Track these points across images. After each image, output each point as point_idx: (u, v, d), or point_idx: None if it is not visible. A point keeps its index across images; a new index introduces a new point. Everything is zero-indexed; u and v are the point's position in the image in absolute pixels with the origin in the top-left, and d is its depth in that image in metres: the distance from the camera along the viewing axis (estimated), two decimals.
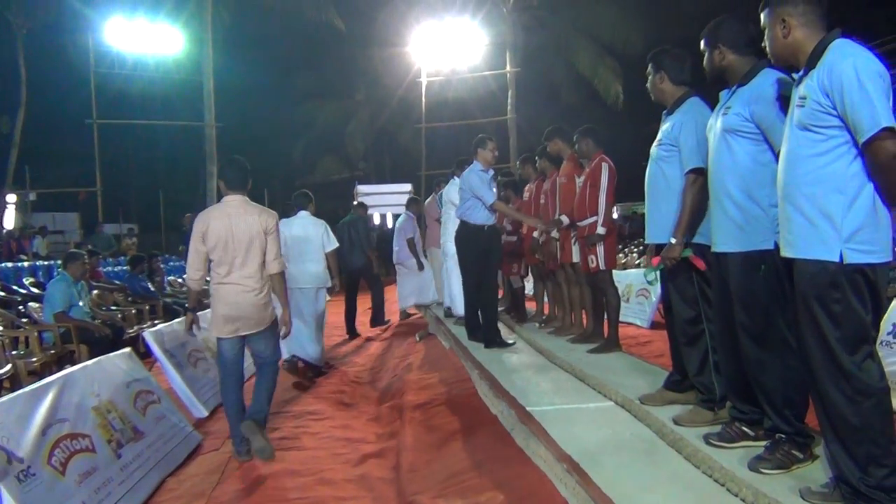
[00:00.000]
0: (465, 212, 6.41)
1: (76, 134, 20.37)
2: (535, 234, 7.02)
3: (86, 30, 17.83)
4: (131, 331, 8.34)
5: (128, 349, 5.02)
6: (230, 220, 4.50)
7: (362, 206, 11.02)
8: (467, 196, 6.38)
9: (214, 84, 19.49)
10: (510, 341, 6.51)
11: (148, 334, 5.75)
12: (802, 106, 2.54)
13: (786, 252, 2.69)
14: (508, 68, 21.81)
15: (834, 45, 2.50)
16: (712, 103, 3.49)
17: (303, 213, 7.41)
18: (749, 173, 3.07)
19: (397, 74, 24.02)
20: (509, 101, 21.94)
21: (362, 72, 26.89)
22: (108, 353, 4.81)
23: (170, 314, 9.44)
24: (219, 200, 4.74)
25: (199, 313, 5.04)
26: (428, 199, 10.36)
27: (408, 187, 22.26)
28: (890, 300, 5.59)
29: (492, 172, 6.51)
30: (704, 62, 3.33)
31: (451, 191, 7.71)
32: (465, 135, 26.02)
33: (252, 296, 4.54)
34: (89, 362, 4.40)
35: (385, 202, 23.29)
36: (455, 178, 7.73)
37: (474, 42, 21.31)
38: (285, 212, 7.41)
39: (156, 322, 9.02)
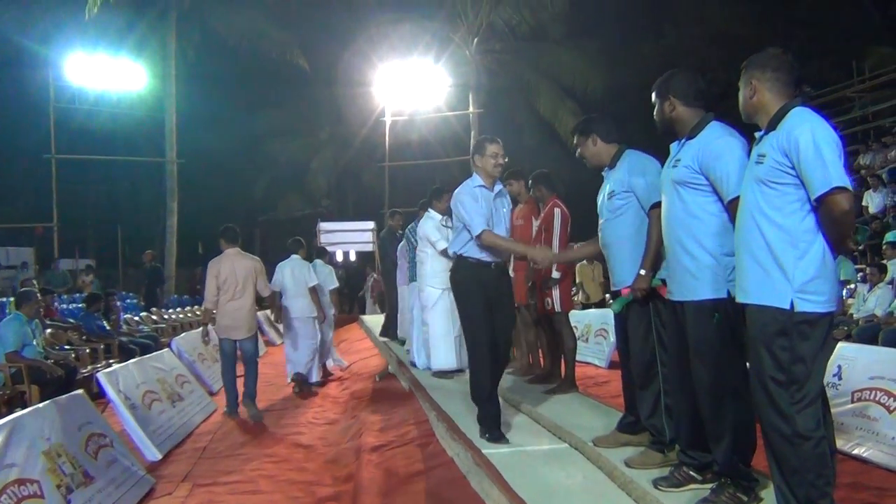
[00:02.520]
0: (464, 245, 4.79)
1: (34, 169, 20.10)
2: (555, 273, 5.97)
3: (45, 65, 17.70)
4: (85, 371, 8.22)
5: (80, 391, 4.95)
6: (232, 264, 7.06)
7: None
8: (460, 225, 4.83)
9: (177, 120, 19.46)
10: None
11: (102, 375, 5.67)
12: (761, 163, 2.70)
13: (740, 298, 2.83)
14: (471, 109, 22.11)
15: (794, 112, 2.69)
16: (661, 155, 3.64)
17: (294, 257, 8.92)
18: (700, 223, 3.19)
19: (361, 113, 24.21)
20: (472, 141, 22.12)
21: (327, 110, 27.02)
22: (61, 393, 4.75)
23: (125, 353, 9.29)
24: (220, 253, 7.17)
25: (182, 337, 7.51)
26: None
27: (370, 225, 22.31)
28: (834, 343, 5.79)
29: (499, 187, 4.94)
30: (655, 113, 3.45)
31: (427, 225, 6.92)
32: (429, 174, 26.29)
33: (244, 312, 7.09)
34: (41, 405, 4.32)
35: (348, 239, 23.30)
36: (431, 210, 7.00)
37: (438, 83, 21.60)
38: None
39: (111, 361, 8.89)
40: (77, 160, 20.42)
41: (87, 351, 8.85)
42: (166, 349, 8.12)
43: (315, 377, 8.97)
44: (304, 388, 8.57)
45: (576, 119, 20.54)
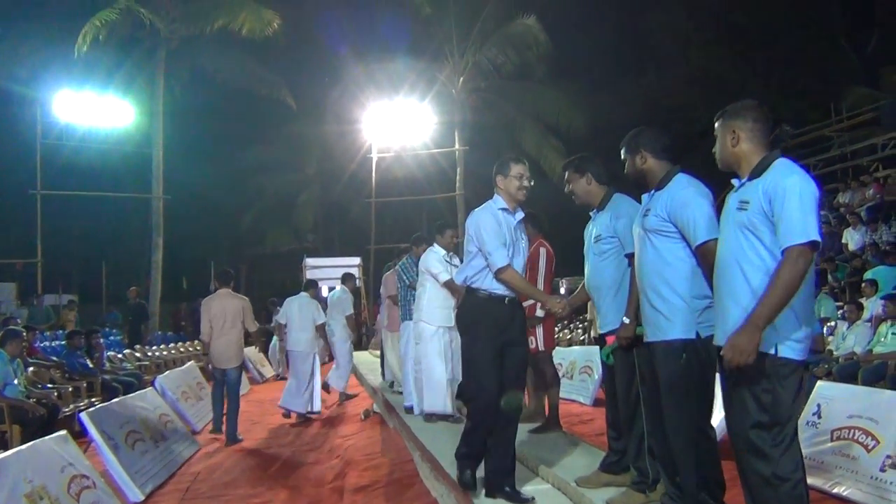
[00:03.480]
0: (476, 275, 4.21)
1: (19, 204, 20.04)
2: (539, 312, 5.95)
3: (33, 102, 17.76)
4: (67, 409, 8.13)
5: (63, 432, 4.92)
6: (222, 302, 8.04)
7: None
8: (474, 250, 4.22)
9: (164, 155, 19.52)
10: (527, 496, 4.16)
11: (85, 416, 5.63)
12: (745, 209, 2.79)
13: (719, 341, 2.87)
14: (457, 146, 22.38)
15: (778, 163, 2.81)
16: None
17: (304, 294, 9.53)
18: (671, 269, 3.31)
19: (349, 150, 24.41)
20: (458, 177, 22.44)
21: (314, 146, 27.20)
22: (43, 432, 4.74)
23: (108, 391, 9.22)
24: (213, 292, 8.40)
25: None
26: (386, 273, 9.23)
27: (356, 261, 22.32)
28: (814, 381, 5.87)
29: (521, 215, 4.32)
30: (626, 167, 3.60)
31: (430, 258, 6.58)
32: (415, 210, 26.47)
33: (232, 345, 7.99)
34: (24, 447, 4.31)
35: (333, 275, 23.21)
36: (436, 245, 6.66)
37: (424, 120, 21.85)
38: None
39: (93, 400, 8.82)
40: (63, 196, 20.36)
41: (70, 389, 8.78)
42: (150, 388, 8.07)
43: (314, 407, 9.43)
44: (300, 418, 9.17)
45: (560, 157, 21.09)
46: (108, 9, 16.75)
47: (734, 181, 2.98)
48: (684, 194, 3.30)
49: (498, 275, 4.09)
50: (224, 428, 8.06)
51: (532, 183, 4.26)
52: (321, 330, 9.45)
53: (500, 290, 4.17)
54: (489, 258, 4.09)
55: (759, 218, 2.75)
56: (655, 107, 24.79)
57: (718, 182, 3.43)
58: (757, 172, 2.84)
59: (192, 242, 25.65)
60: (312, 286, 10.05)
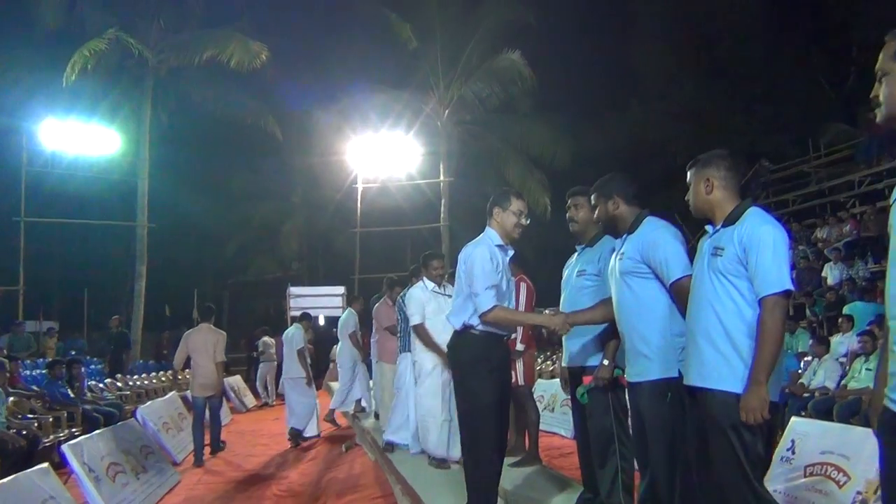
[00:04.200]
0: (472, 314, 4.01)
1: (2, 231, 19.92)
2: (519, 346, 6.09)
3: (19, 131, 17.77)
4: (47, 440, 8.10)
5: (45, 465, 4.94)
6: (203, 336, 8.72)
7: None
8: (467, 289, 4.01)
9: (149, 183, 19.53)
10: None
11: (67, 448, 5.64)
12: (720, 256, 2.92)
13: (695, 381, 2.98)
14: (442, 178, 22.56)
15: (751, 211, 2.96)
16: None
17: (297, 325, 10.40)
18: (648, 309, 3.44)
19: (334, 180, 24.51)
20: (443, 208, 22.58)
21: (300, 175, 27.33)
22: (23, 464, 4.75)
23: (88, 422, 9.17)
24: (196, 320, 9.06)
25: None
26: (377, 303, 9.06)
27: (341, 290, 22.33)
28: (789, 417, 5.99)
29: (511, 251, 4.19)
30: (597, 213, 3.75)
31: (411, 296, 6.59)
32: (400, 240, 26.54)
33: (210, 373, 8.61)
34: (4, 480, 4.33)
35: (317, 304, 23.23)
36: (424, 280, 6.55)
37: (410, 151, 22.01)
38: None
39: (74, 430, 8.79)
40: (47, 223, 20.29)
41: (50, 419, 8.73)
42: (131, 419, 8.07)
43: (313, 431, 10.08)
44: (298, 440, 9.69)
45: (543, 189, 21.34)
46: (97, 38, 16.84)
47: (708, 227, 3.12)
48: (655, 235, 3.46)
49: (484, 317, 3.92)
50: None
51: (528, 222, 4.14)
52: (300, 356, 9.97)
53: (498, 329, 4.04)
54: (475, 299, 3.91)
55: (733, 265, 2.88)
56: (639, 140, 25.15)
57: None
58: (731, 220, 2.98)
59: (175, 270, 25.55)
60: (306, 318, 10.89)
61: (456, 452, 5.79)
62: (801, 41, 23.76)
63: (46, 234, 21.53)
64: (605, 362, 3.87)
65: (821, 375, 8.57)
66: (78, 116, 18.10)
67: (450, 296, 5.68)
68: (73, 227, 22.51)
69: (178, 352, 8.82)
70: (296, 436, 9.76)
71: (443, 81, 22.16)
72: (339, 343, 10.81)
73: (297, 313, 22.62)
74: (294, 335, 10.15)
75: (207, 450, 8.91)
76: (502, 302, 3.97)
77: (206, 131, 23.47)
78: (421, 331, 6.20)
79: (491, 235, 4.08)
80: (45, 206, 19.66)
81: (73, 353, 14.93)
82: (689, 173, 3.20)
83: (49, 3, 17.70)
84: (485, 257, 3.95)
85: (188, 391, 9.35)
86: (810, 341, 9.90)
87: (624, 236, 3.64)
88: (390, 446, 7.01)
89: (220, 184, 26.81)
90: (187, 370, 9.63)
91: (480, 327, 3.97)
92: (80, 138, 18.22)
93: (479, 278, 3.90)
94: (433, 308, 6.26)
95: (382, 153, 21.54)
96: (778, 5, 23.65)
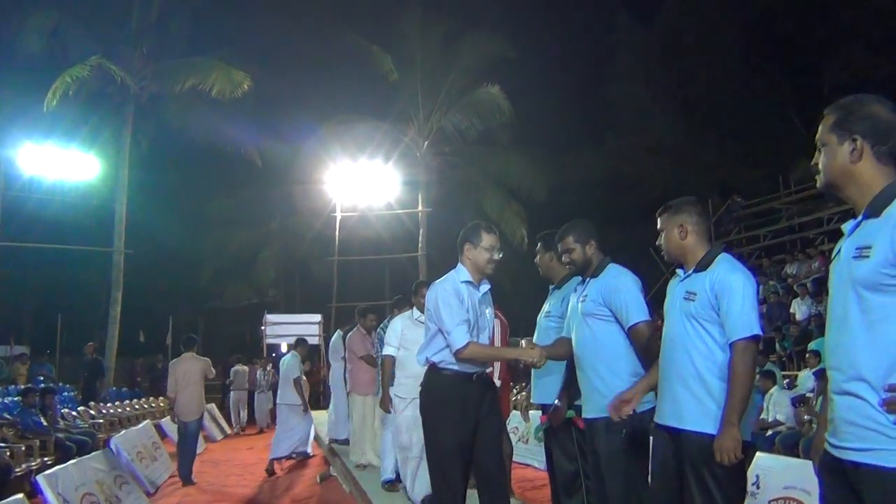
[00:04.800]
0: (438, 350, 3.95)
1: None
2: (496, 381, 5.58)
3: None
4: (19, 469, 8.05)
5: (20, 495, 4.96)
6: (187, 365, 9.34)
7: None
8: (433, 328, 3.96)
9: (128, 209, 19.49)
10: None
11: (41, 478, 5.64)
12: (692, 300, 3.07)
13: (670, 422, 3.11)
14: (421, 207, 22.74)
15: (722, 258, 3.12)
16: None
17: (293, 353, 10.58)
18: (608, 349, 3.63)
19: (313, 208, 24.57)
20: (421, 238, 22.74)
21: (278, 203, 27.35)
22: None
23: (61, 451, 9.12)
24: (169, 345, 11.01)
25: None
26: (350, 332, 8.73)
27: (317, 318, 22.32)
28: (754, 452, 6.16)
29: (487, 287, 4.10)
30: (574, 255, 3.89)
31: (392, 326, 6.43)
32: (378, 269, 26.63)
33: (195, 399, 9.28)
34: None
35: (294, 332, 23.12)
36: (414, 310, 6.23)
37: (389, 181, 22.16)
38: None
39: (46, 459, 8.74)
40: (24, 248, 20.17)
41: (23, 448, 8.67)
42: (105, 449, 8.04)
43: (305, 448, 10.66)
44: (273, 470, 9.89)
45: (521, 221, 21.58)
46: (80, 65, 16.90)
47: (679, 271, 3.27)
48: (617, 281, 3.67)
49: (458, 355, 3.79)
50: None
51: (501, 255, 4.01)
52: (296, 384, 10.18)
53: (467, 367, 3.87)
54: (448, 337, 3.81)
55: (705, 310, 3.03)
56: (615, 174, 25.61)
57: None
58: (703, 266, 3.13)
59: (151, 296, 25.41)
60: (302, 344, 10.96)
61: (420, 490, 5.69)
62: (773, 80, 24.38)
63: (22, 258, 21.41)
64: (558, 403, 4.02)
65: (772, 409, 8.77)
66: (57, 141, 18.06)
67: None
68: (48, 252, 22.37)
69: (169, 381, 9.39)
70: (272, 466, 9.88)
71: (422, 113, 22.46)
72: (280, 389, 10.44)
73: (274, 341, 22.80)
74: (290, 363, 10.28)
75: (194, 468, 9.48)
76: (478, 338, 3.88)
77: (186, 157, 23.51)
78: (386, 363, 6.18)
79: (459, 271, 4.00)
80: (21, 231, 19.57)
81: (41, 378, 14.77)
82: (660, 219, 3.33)
83: (32, 29, 17.80)
84: (448, 293, 3.87)
85: (163, 420, 10.12)
86: (758, 377, 10.12)
87: (588, 279, 3.82)
88: (390, 484, 6.65)
89: (197, 210, 26.74)
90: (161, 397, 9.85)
91: (449, 366, 3.88)
92: (58, 163, 18.17)
93: (446, 315, 3.81)
94: (414, 337, 5.86)
95: (362, 182, 21.66)
96: (751, 45, 24.33)
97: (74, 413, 12.17)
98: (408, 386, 5.80)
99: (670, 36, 24.77)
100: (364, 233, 24.15)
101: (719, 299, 2.99)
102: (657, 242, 3.40)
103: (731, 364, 2.94)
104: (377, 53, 21.28)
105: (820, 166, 2.25)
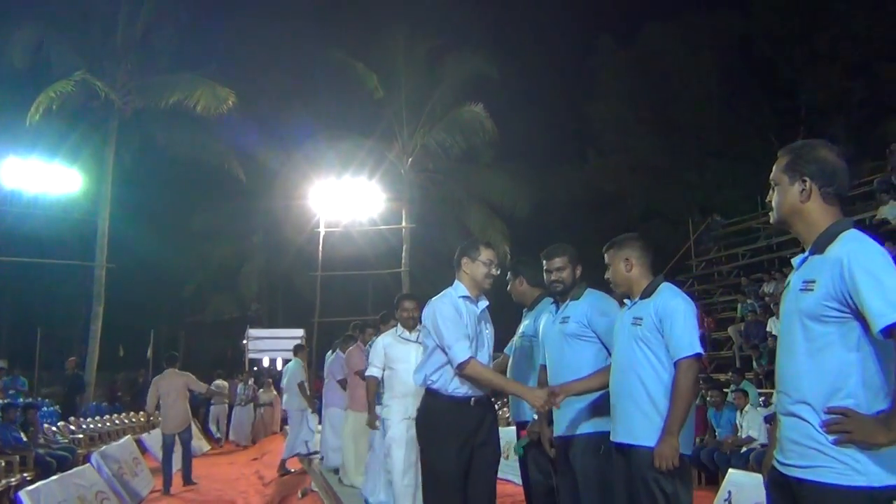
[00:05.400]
0: (435, 373, 3.85)
1: None
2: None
3: None
4: None
5: None
6: (171, 381, 9.86)
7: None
8: (432, 345, 3.88)
9: (110, 223, 19.44)
10: None
11: (24, 494, 5.70)
12: (639, 325, 3.32)
13: (625, 439, 3.32)
14: (404, 224, 22.90)
15: (664, 286, 3.40)
16: None
17: (295, 359, 11.18)
18: (589, 368, 3.76)
19: (296, 223, 24.65)
20: (404, 254, 22.87)
21: (261, 217, 27.38)
22: None
23: (41, 466, 9.13)
24: (143, 356, 12.46)
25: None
26: (330, 358, 9.20)
27: (300, 332, 22.33)
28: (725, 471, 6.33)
29: (485, 303, 4.02)
30: (564, 274, 4.00)
31: (376, 345, 6.17)
32: (361, 285, 26.72)
33: (181, 412, 9.92)
34: None
35: (276, 346, 23.17)
36: (398, 327, 5.91)
37: (372, 197, 22.28)
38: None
39: (26, 475, 8.75)
40: (3, 262, 20.06)
41: (3, 464, 8.67)
42: (87, 465, 8.07)
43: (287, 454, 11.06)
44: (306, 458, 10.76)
45: (503, 238, 21.78)
46: (64, 80, 16.92)
47: (626, 301, 3.51)
48: (602, 305, 3.86)
49: (461, 370, 3.69)
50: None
51: (499, 272, 4.01)
52: (301, 388, 10.78)
53: (462, 390, 3.76)
54: (448, 352, 3.71)
55: (651, 333, 3.28)
56: (596, 192, 25.92)
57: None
58: (647, 294, 3.40)
59: (132, 309, 25.26)
60: (301, 349, 11.99)
61: None
62: (753, 101, 24.82)
63: (1, 271, 21.26)
64: (536, 416, 4.13)
65: (745, 426, 8.94)
66: (40, 155, 18.02)
67: (419, 342, 5.32)
68: (28, 266, 22.23)
69: (149, 396, 9.96)
70: (284, 466, 10.84)
71: (406, 130, 22.68)
72: (286, 395, 11.25)
73: (256, 356, 22.78)
74: (294, 370, 11.02)
75: (176, 481, 10.07)
76: (476, 355, 3.77)
77: (169, 172, 23.48)
78: (370, 384, 6.04)
79: (457, 287, 3.94)
80: (1, 244, 19.46)
81: (11, 392, 14.59)
82: (606, 254, 3.60)
83: (17, 43, 17.78)
84: (447, 308, 3.80)
85: (143, 434, 10.95)
86: (731, 392, 10.30)
87: (568, 302, 3.95)
88: None
89: (180, 224, 26.68)
90: (141, 413, 10.74)
91: (443, 391, 3.78)
92: (40, 177, 18.12)
93: (446, 330, 3.72)
94: (397, 355, 5.68)
95: (345, 198, 21.77)
96: (731, 67, 24.75)
97: (54, 428, 12.14)
98: (393, 408, 5.57)
99: (651, 57, 25.16)
100: (347, 248, 24.22)
101: (663, 322, 3.25)
102: (605, 276, 3.64)
103: (675, 380, 3.18)
104: (362, 71, 21.48)
105: (773, 204, 2.45)
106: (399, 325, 5.82)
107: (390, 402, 5.63)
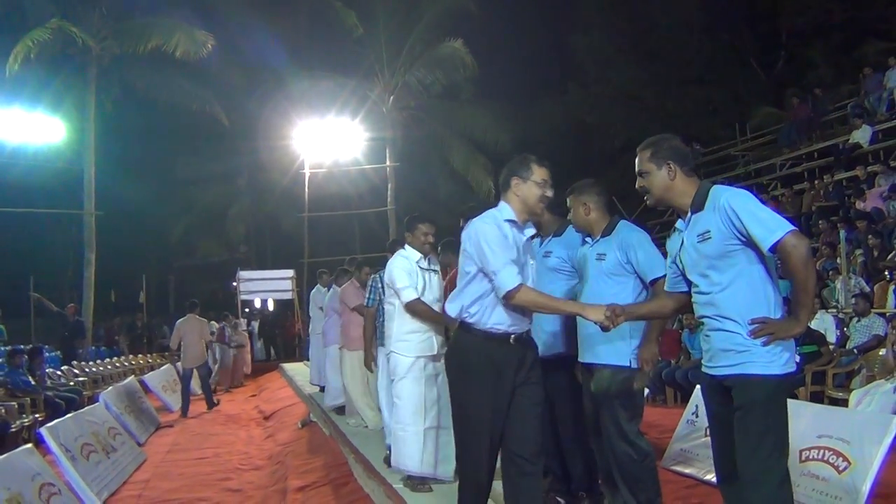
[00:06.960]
0: (473, 304, 3.44)
1: None
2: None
3: None
4: (14, 426, 8.49)
5: (29, 445, 5.44)
6: (191, 324, 12.01)
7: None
8: (473, 271, 3.43)
9: (95, 171, 19.50)
10: None
11: (45, 430, 6.09)
12: (602, 260, 3.77)
13: (587, 359, 3.82)
14: (388, 163, 23.08)
15: (621, 224, 3.84)
16: None
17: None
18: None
19: (281, 164, 24.77)
20: (389, 192, 23.11)
21: (246, 160, 27.45)
22: None
23: (50, 407, 9.56)
24: (184, 315, 12.24)
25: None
26: (344, 285, 8.05)
27: (290, 273, 22.71)
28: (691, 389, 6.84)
29: (531, 230, 3.63)
30: (573, 216, 4.13)
31: (395, 265, 5.03)
32: (347, 224, 27.01)
33: (199, 351, 12.04)
34: (0, 458, 4.83)
35: (267, 288, 23.58)
36: (407, 247, 5.06)
37: (356, 137, 22.41)
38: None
39: (37, 416, 9.18)
40: None
41: (15, 406, 9.09)
42: (99, 403, 8.50)
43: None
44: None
45: (486, 173, 22.02)
46: (40, 28, 16.77)
47: (588, 239, 3.93)
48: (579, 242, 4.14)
49: (509, 299, 3.30)
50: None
51: (552, 193, 3.55)
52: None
53: (502, 325, 3.39)
54: (494, 278, 3.31)
55: (615, 266, 3.75)
56: (578, 124, 26.04)
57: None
58: (607, 232, 3.84)
59: (122, 256, 25.49)
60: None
61: (445, 470, 4.76)
62: (733, 26, 24.76)
63: None
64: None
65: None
66: (21, 105, 17.99)
67: (436, 271, 5.02)
68: (15, 216, 22.31)
69: (173, 336, 12.22)
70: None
71: (387, 68, 22.61)
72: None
73: (247, 297, 23.16)
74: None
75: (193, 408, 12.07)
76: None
77: (151, 118, 23.44)
78: (419, 306, 4.80)
79: (502, 209, 3.49)
80: None
81: None
82: (568, 199, 3.97)
83: None
84: (492, 230, 3.37)
85: (145, 376, 12.75)
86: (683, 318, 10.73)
87: (549, 237, 4.31)
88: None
89: (165, 168, 26.73)
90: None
91: (478, 324, 3.41)
92: (23, 127, 18.13)
93: (491, 253, 3.30)
94: (419, 285, 4.92)
95: (329, 139, 21.88)
96: None
97: (59, 372, 12.57)
98: (409, 343, 4.86)
99: None
100: (332, 189, 24.44)
101: (628, 254, 3.71)
102: (567, 217, 4.03)
103: (650, 298, 3.66)
104: (341, 9, 21.26)
105: (649, 189, 3.00)
106: (408, 248, 5.04)
107: (406, 338, 4.86)
